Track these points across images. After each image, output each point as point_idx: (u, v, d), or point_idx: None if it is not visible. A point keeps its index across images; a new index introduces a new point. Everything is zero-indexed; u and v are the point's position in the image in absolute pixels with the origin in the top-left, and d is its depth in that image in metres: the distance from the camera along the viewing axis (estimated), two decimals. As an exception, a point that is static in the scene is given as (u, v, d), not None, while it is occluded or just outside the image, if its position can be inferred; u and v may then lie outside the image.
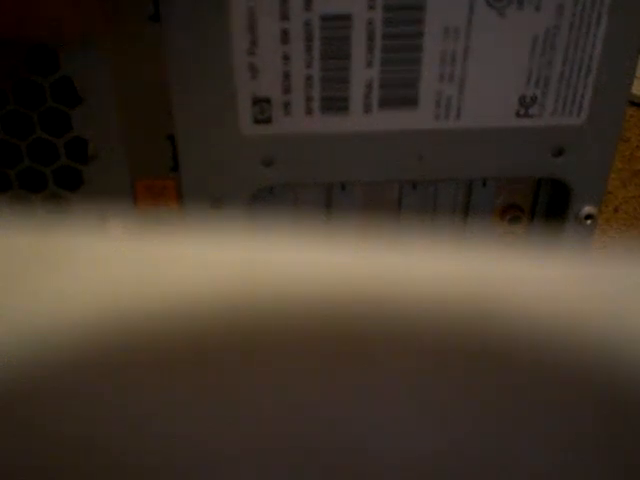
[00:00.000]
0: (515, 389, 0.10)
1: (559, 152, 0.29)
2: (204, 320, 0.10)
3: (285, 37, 0.26)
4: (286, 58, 0.26)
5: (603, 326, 0.10)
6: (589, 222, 0.31)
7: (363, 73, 0.27)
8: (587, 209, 0.30)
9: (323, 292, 0.10)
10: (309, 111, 0.27)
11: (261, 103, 0.27)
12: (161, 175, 0.29)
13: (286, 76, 0.26)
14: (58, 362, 0.10)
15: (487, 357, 0.10)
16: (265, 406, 0.10)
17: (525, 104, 0.28)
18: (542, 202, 0.32)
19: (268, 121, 0.27)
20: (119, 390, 0.10)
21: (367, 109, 0.27)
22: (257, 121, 0.27)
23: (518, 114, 0.28)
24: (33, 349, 0.10)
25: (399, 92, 0.27)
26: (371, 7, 0.25)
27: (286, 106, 0.27)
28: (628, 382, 0.09)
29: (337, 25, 0.26)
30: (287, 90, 0.27)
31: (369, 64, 0.26)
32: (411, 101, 0.27)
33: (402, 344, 0.10)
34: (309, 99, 0.27)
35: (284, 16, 0.25)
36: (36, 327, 0.10)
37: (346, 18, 0.25)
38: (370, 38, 0.26)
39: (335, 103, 0.27)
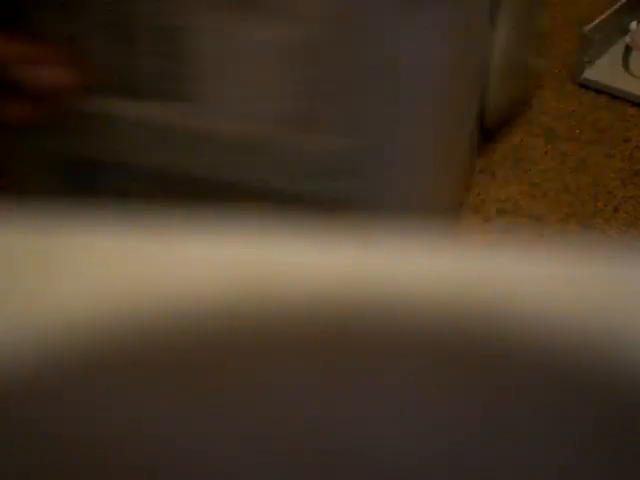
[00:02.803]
0: (515, 389, 0.10)
1: (334, 173, 0.27)
2: (204, 320, 0.10)
3: None
4: None
5: (603, 326, 0.10)
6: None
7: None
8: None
9: (324, 292, 0.10)
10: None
11: None
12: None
13: None
14: (58, 362, 0.10)
15: (486, 357, 0.10)
16: (265, 406, 0.10)
17: (293, 121, 0.26)
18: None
19: None
20: (119, 390, 0.10)
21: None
22: None
23: (287, 130, 0.27)
24: (32, 349, 0.10)
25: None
26: None
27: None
28: (628, 382, 0.09)
29: None
30: None
31: None
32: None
33: (401, 344, 0.10)
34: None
35: None
36: (36, 327, 0.10)
37: None
38: None
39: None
